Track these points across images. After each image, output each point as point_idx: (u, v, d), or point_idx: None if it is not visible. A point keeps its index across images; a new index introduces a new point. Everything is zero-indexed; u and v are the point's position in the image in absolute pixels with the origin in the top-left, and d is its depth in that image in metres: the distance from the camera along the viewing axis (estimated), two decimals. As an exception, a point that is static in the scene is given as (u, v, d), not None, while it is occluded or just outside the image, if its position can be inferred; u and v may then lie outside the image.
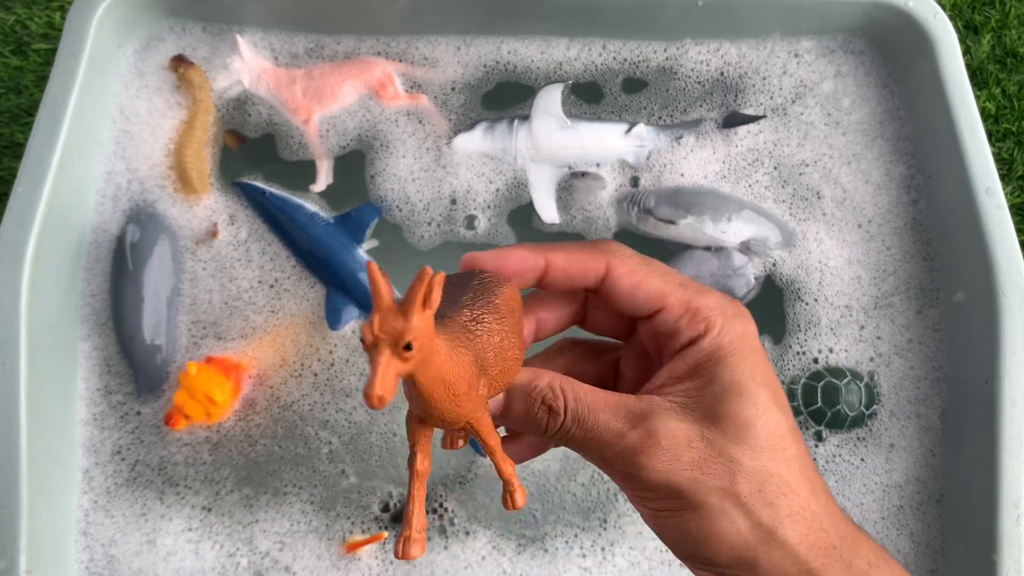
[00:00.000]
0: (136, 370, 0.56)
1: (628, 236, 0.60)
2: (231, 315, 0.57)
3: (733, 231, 0.58)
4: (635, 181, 0.61)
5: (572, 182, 0.61)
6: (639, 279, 0.28)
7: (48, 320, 0.54)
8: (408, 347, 0.21)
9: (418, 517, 0.26)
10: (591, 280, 0.28)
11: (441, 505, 0.54)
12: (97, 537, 0.53)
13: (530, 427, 0.27)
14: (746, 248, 0.58)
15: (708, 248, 0.58)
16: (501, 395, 0.27)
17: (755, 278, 0.58)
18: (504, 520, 0.54)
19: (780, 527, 0.24)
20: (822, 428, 0.56)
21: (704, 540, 0.25)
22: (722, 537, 0.25)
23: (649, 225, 0.59)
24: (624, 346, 0.32)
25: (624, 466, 0.25)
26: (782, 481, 0.25)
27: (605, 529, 0.54)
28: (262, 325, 0.57)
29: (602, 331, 0.31)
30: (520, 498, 0.27)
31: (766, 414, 0.25)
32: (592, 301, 0.31)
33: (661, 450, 0.25)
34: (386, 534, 0.53)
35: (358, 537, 0.53)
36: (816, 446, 0.56)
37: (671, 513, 0.25)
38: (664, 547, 0.53)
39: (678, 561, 0.54)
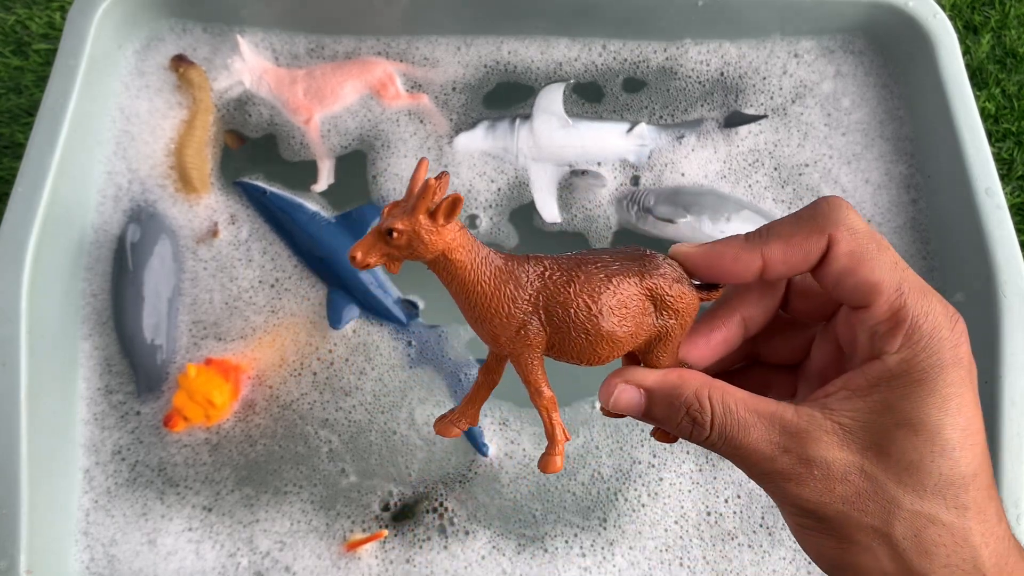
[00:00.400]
0: (136, 370, 0.56)
1: (627, 235, 0.60)
2: (231, 315, 0.57)
3: (732, 231, 0.58)
4: (635, 180, 0.61)
5: (572, 180, 0.61)
6: (857, 264, 0.24)
7: (49, 320, 0.54)
8: (389, 233, 0.24)
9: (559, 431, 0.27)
10: (811, 264, 0.24)
11: (441, 504, 0.54)
12: (97, 537, 0.53)
13: (672, 432, 0.25)
14: None
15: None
16: (642, 393, 0.25)
17: None
18: (504, 520, 0.54)
19: None
20: None
21: (844, 569, 0.24)
22: (864, 573, 0.23)
23: (648, 224, 0.59)
24: (823, 326, 0.28)
25: (771, 487, 0.24)
26: (945, 530, 0.23)
27: (605, 529, 0.54)
28: (262, 325, 0.57)
29: (804, 316, 0.28)
30: (559, 462, 0.26)
31: (943, 458, 0.22)
32: (797, 283, 0.27)
33: (813, 480, 0.23)
34: (386, 532, 0.53)
35: (358, 536, 0.53)
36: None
37: (815, 533, 0.24)
38: (663, 547, 0.53)
39: (677, 561, 0.54)
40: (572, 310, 0.25)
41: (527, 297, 0.25)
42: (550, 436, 0.26)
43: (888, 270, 0.24)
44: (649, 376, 0.25)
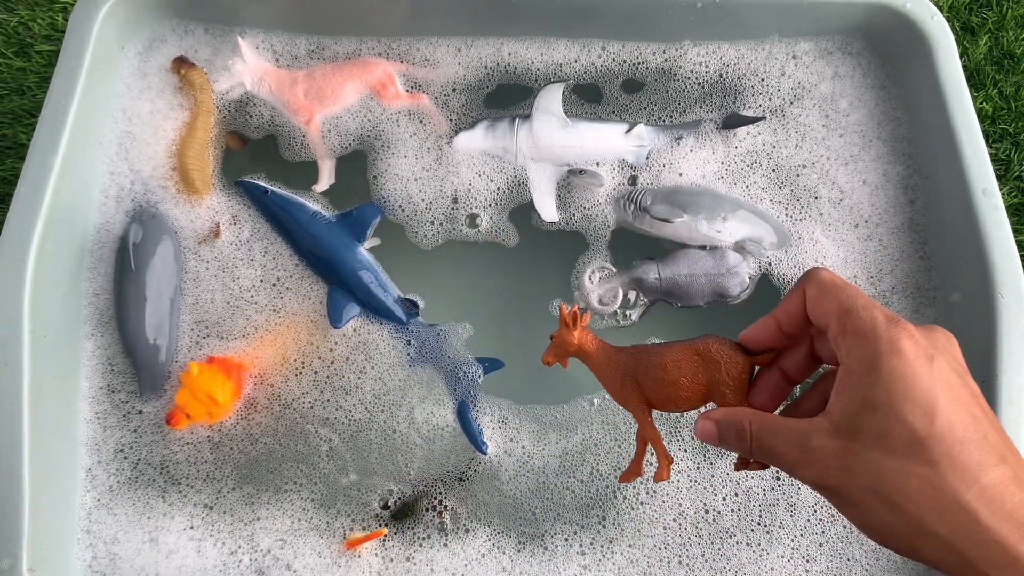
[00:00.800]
0: (139, 369, 0.56)
1: (624, 234, 0.60)
2: (233, 314, 0.58)
3: (728, 231, 0.59)
4: (634, 179, 0.62)
5: (570, 179, 0.61)
6: (817, 300, 0.32)
7: (51, 319, 0.54)
8: (552, 337, 0.39)
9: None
10: (799, 313, 0.34)
11: (441, 503, 0.54)
12: (99, 535, 0.53)
13: (729, 446, 0.34)
14: (740, 248, 0.59)
15: (703, 247, 0.59)
16: (714, 424, 0.34)
17: (750, 277, 0.58)
18: (503, 517, 0.54)
19: (927, 520, 0.28)
20: None
21: (870, 529, 0.30)
22: (877, 527, 0.29)
23: (645, 223, 0.59)
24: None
25: (792, 474, 0.31)
26: (923, 480, 0.28)
27: (604, 526, 0.54)
28: (264, 324, 0.58)
29: (830, 360, 0.35)
30: (667, 474, 0.37)
31: (902, 426, 0.29)
32: (817, 334, 0.35)
33: (814, 461, 0.30)
34: (386, 531, 0.53)
35: (358, 534, 0.53)
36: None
37: (840, 507, 0.31)
38: (662, 545, 0.54)
39: (676, 559, 0.54)
40: (647, 370, 0.37)
41: (621, 368, 0.38)
42: (660, 457, 0.37)
43: (839, 299, 0.31)
44: (717, 412, 0.34)
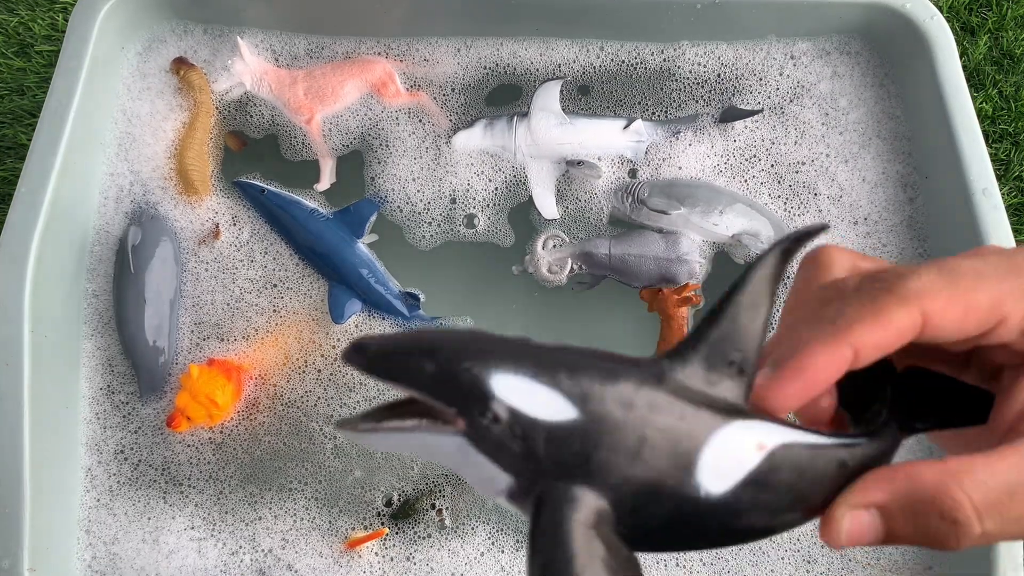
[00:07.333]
0: (139, 371, 0.56)
1: (622, 226, 0.60)
2: (233, 316, 0.58)
3: (725, 224, 0.59)
4: (633, 172, 0.62)
5: (568, 170, 0.61)
6: (963, 306, 0.21)
7: (51, 320, 0.54)
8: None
9: None
10: (907, 341, 0.21)
11: (442, 501, 0.54)
12: (100, 535, 0.53)
13: (924, 544, 0.20)
14: (737, 241, 0.59)
15: (660, 230, 0.59)
16: (876, 518, 0.21)
17: (700, 266, 0.58)
18: (502, 516, 0.54)
19: None
20: None
21: None
22: None
23: (642, 215, 0.59)
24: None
25: None
26: None
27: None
28: (264, 325, 0.58)
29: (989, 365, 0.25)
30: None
31: None
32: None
33: None
34: (386, 530, 0.53)
35: (359, 534, 0.53)
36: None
37: None
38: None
39: (674, 561, 0.54)
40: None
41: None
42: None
43: (987, 280, 0.21)
44: (875, 489, 0.21)
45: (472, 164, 0.62)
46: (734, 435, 0.22)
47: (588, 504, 0.21)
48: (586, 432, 0.21)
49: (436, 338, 0.22)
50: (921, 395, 0.25)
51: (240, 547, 0.53)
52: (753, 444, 0.22)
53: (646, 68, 0.65)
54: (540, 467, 0.21)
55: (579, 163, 0.61)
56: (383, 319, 0.58)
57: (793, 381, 0.21)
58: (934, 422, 0.25)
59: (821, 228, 0.23)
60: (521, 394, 0.21)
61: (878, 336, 0.21)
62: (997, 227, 0.55)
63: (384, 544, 0.53)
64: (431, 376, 0.21)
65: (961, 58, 0.60)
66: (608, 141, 0.62)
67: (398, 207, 0.61)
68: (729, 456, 0.22)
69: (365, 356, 0.21)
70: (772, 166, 0.62)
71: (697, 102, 0.64)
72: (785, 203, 0.61)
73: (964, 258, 0.22)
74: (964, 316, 0.21)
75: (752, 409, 0.22)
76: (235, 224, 0.60)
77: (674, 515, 0.22)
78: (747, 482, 0.22)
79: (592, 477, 0.21)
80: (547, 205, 0.61)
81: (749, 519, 0.22)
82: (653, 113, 0.64)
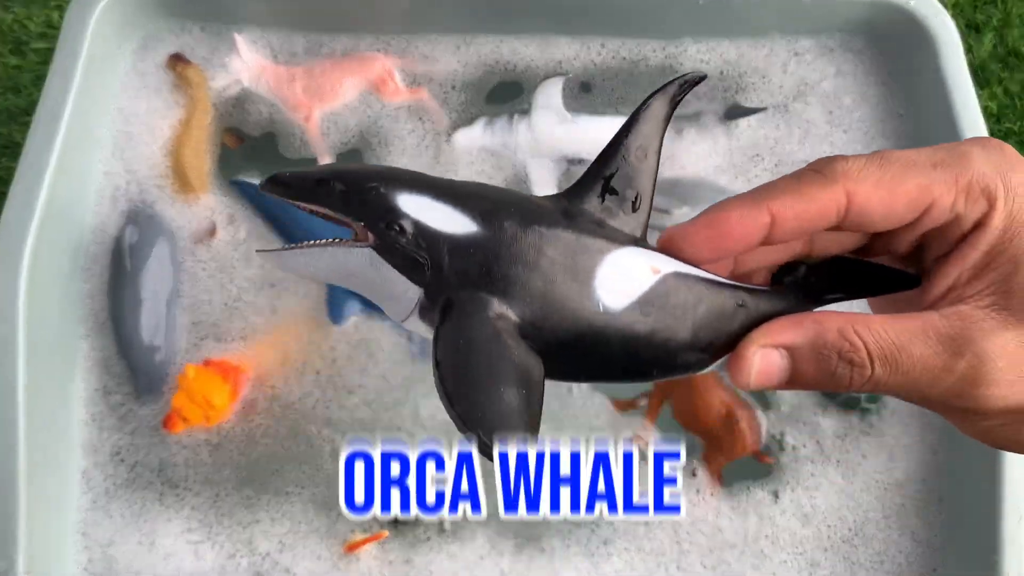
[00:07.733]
0: (135, 371, 0.55)
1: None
2: (231, 315, 0.57)
3: None
4: None
5: (570, 170, 0.61)
6: (889, 190, 0.22)
7: (46, 320, 0.54)
8: None
9: None
10: (830, 221, 0.22)
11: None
12: (96, 538, 0.53)
13: (828, 387, 0.22)
14: None
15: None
16: (785, 358, 0.22)
17: None
18: (502, 520, 0.54)
19: None
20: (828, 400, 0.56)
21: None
22: None
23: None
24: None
25: (957, 401, 0.21)
26: None
27: (602, 529, 0.53)
28: (262, 326, 0.57)
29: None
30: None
31: None
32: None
33: (999, 371, 0.20)
34: (386, 533, 0.53)
35: (358, 536, 0.53)
36: (816, 444, 0.56)
37: (1010, 427, 0.22)
38: (660, 550, 0.53)
39: (675, 562, 0.54)
40: None
41: None
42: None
43: (914, 167, 0.22)
44: (785, 330, 0.22)
45: (473, 162, 0.61)
46: (629, 256, 0.23)
47: (492, 308, 0.23)
48: (487, 244, 0.23)
49: (345, 167, 0.25)
50: (841, 275, 0.26)
51: (237, 550, 0.53)
52: (648, 266, 0.23)
53: (648, 65, 0.64)
54: (445, 277, 0.23)
55: (581, 161, 0.61)
56: (382, 320, 0.57)
57: (704, 228, 0.23)
58: (845, 294, 0.26)
59: (702, 77, 0.26)
60: (424, 209, 0.23)
61: (799, 208, 0.22)
62: (1003, 227, 0.54)
63: (383, 547, 0.53)
64: (341, 195, 0.24)
65: (966, 55, 0.59)
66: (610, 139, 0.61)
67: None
68: (624, 274, 0.23)
69: (281, 184, 0.24)
70: (776, 165, 0.61)
71: (700, 99, 0.63)
72: (789, 203, 0.61)
73: (900, 151, 0.23)
74: (891, 200, 0.22)
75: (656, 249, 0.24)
76: (232, 223, 0.59)
77: (576, 330, 0.23)
78: (643, 300, 0.23)
79: (494, 286, 0.23)
80: (548, 205, 0.60)
81: (651, 344, 0.23)
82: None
